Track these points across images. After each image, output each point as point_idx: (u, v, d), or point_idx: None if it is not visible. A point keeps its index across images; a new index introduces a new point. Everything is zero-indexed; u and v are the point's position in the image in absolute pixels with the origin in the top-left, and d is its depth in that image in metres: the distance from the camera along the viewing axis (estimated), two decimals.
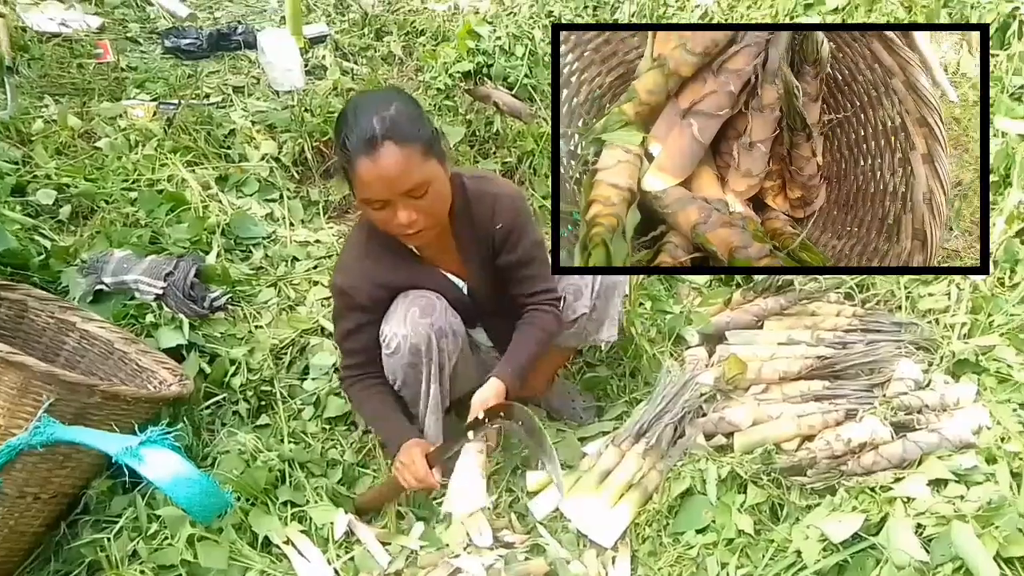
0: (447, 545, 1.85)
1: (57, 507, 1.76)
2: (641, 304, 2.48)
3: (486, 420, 1.74)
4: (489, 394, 1.80)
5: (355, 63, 3.76)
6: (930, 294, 2.44)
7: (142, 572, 1.61)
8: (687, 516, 1.87)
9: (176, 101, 3.26)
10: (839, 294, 2.52)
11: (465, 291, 1.95)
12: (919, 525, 1.67)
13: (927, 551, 1.61)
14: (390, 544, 1.84)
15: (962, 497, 1.77)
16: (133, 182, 2.78)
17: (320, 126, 3.16)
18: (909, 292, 2.46)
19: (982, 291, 2.35)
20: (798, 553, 1.73)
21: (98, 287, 2.26)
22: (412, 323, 1.78)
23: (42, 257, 2.32)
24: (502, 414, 1.71)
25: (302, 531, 1.79)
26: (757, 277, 2.58)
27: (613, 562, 1.83)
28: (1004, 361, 2.14)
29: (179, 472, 1.54)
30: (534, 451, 1.79)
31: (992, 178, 2.76)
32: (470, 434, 1.76)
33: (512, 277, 1.93)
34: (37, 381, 1.57)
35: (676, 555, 1.81)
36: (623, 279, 2.04)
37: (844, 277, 2.49)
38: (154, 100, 3.32)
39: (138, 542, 1.69)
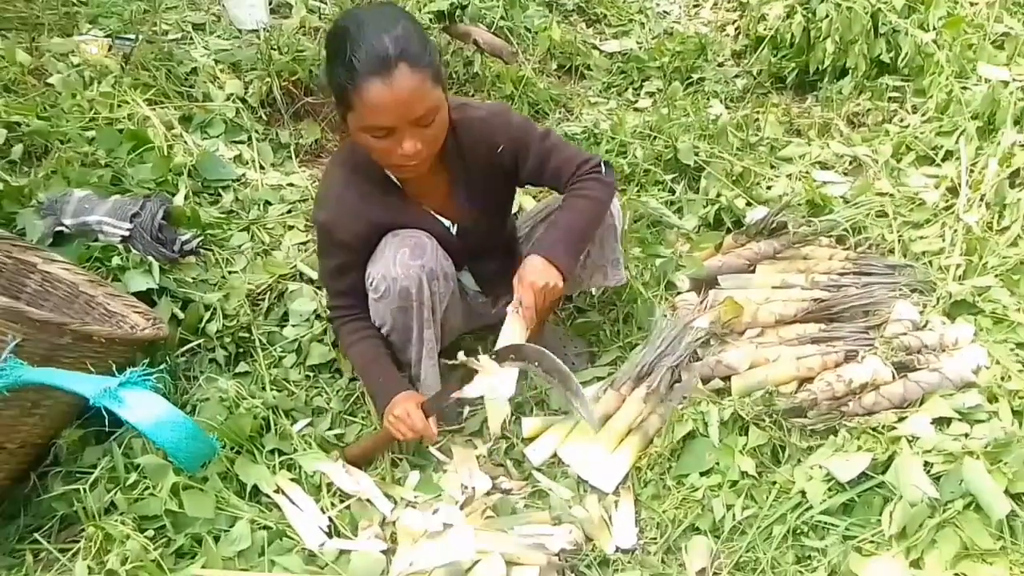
0: (443, 492, 1.79)
1: (25, 458, 1.64)
2: (632, 248, 2.42)
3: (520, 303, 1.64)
4: (527, 269, 1.67)
5: (322, 1, 3.58)
6: (922, 237, 2.43)
7: (123, 523, 1.51)
8: (690, 458, 1.83)
9: (133, 36, 3.05)
10: (831, 238, 2.49)
11: (454, 231, 1.85)
12: (926, 463, 1.66)
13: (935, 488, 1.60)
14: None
15: (966, 435, 1.76)
16: (90, 120, 2.60)
17: (289, 65, 3.00)
18: (901, 235, 2.44)
19: (975, 233, 2.34)
20: (803, 493, 1.71)
21: (58, 228, 2.12)
22: (402, 265, 1.68)
23: None
24: (513, 356, 1.59)
25: (292, 479, 1.70)
26: (748, 221, 2.53)
27: (616, 506, 1.78)
28: (999, 302, 2.14)
29: (163, 415, 1.42)
30: (558, 390, 1.65)
31: (977, 124, 2.75)
32: (510, 309, 1.66)
33: (544, 178, 1.81)
34: (0, 319, 1.44)
35: (681, 497, 1.77)
36: (616, 223, 1.92)
37: (837, 219, 2.45)
38: (108, 36, 3.11)
39: (116, 493, 1.59)
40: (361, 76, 1.45)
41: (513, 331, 1.64)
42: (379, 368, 1.82)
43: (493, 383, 1.60)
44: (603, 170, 1.79)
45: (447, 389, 1.70)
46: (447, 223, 1.84)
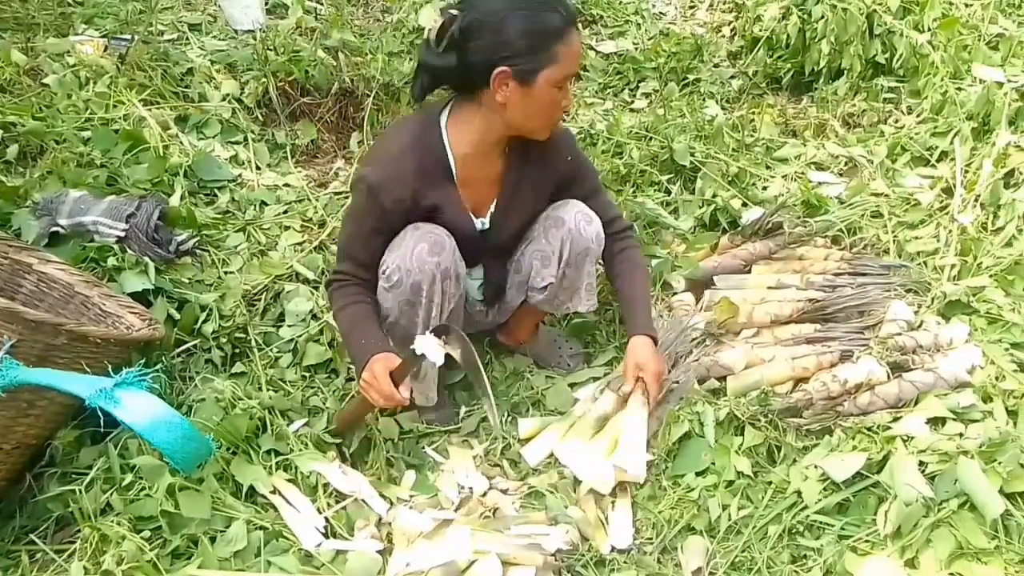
0: (440, 492, 1.79)
1: (20, 459, 1.64)
2: None
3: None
4: (646, 356, 1.85)
5: (318, 1, 3.58)
6: (917, 237, 2.43)
7: (119, 524, 1.51)
8: (686, 459, 1.83)
9: (129, 36, 3.05)
10: (826, 238, 2.49)
11: (487, 225, 1.84)
12: (921, 462, 1.66)
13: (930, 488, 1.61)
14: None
15: (961, 435, 1.77)
16: (86, 120, 2.60)
17: (285, 65, 3.00)
18: (895, 236, 2.44)
19: (970, 233, 2.34)
20: (798, 493, 1.71)
21: (53, 229, 2.12)
22: (419, 259, 1.68)
23: None
24: (444, 337, 1.61)
25: (288, 480, 1.70)
26: (744, 221, 2.54)
27: (612, 506, 1.78)
28: (993, 302, 2.14)
29: (159, 415, 1.42)
30: (473, 381, 1.73)
31: (972, 124, 2.76)
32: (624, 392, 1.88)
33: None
34: None
35: (677, 498, 1.77)
36: (593, 246, 1.90)
37: (833, 220, 2.46)
38: (103, 36, 3.11)
39: (112, 494, 1.58)
40: (569, 27, 1.59)
41: (639, 412, 1.84)
42: (363, 330, 1.75)
43: (429, 348, 1.61)
44: (635, 234, 2.07)
45: (410, 361, 1.66)
46: (479, 222, 1.84)
